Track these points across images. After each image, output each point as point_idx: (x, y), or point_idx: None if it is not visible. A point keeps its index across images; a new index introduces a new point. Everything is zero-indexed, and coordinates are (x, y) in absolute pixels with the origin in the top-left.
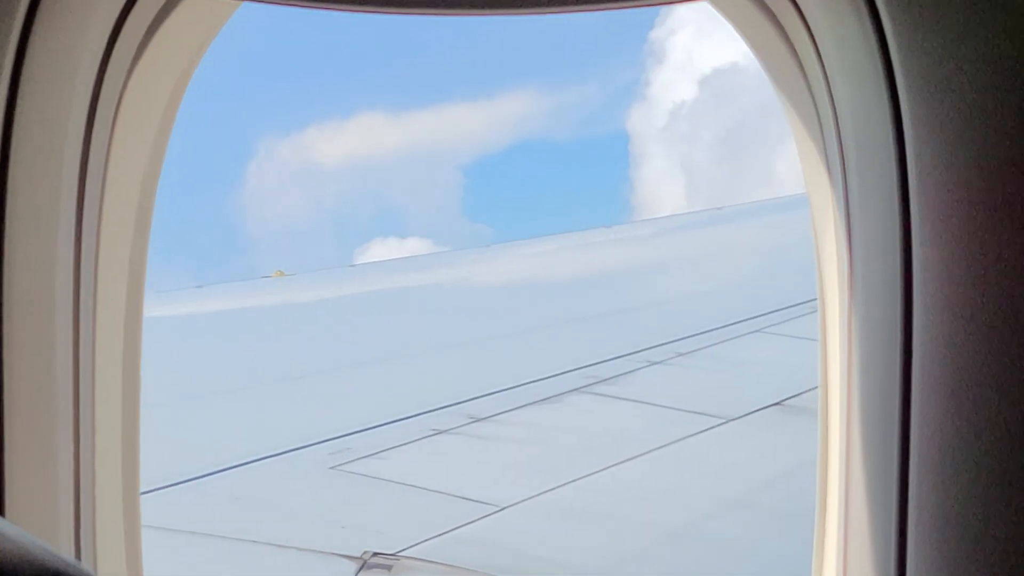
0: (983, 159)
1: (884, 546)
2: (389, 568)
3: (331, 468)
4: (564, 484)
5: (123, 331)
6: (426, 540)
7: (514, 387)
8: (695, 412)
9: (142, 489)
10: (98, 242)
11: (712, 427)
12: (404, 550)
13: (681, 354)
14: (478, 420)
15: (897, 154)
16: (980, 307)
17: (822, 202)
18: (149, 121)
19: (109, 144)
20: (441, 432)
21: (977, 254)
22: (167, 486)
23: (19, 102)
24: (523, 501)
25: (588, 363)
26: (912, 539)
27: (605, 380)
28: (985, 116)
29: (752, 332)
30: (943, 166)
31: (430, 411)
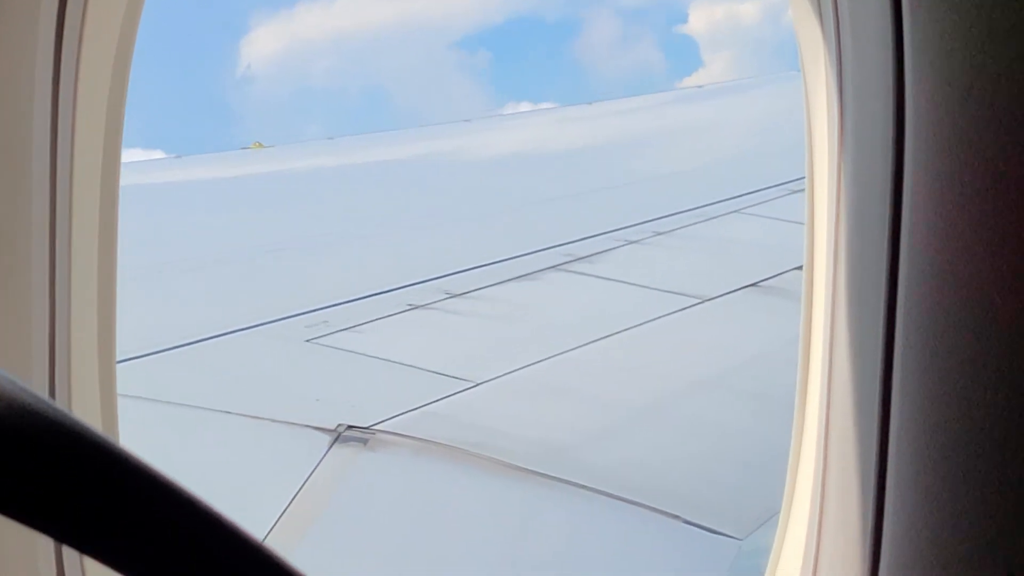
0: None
1: (865, 451)
2: (363, 441)
3: (307, 341)
4: (539, 361)
5: (100, 194)
6: (400, 414)
7: (491, 263)
8: (671, 292)
9: (115, 359)
10: (75, 99)
11: (688, 307)
12: (378, 424)
13: (659, 233)
14: (454, 296)
15: (894, 32)
16: (970, 199)
17: (815, 78)
18: None
19: (84, 9)
20: (417, 307)
21: (966, 137)
22: (141, 355)
23: None
24: (498, 377)
25: (566, 241)
26: (893, 443)
27: (582, 258)
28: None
29: (732, 212)
30: (938, 35)
31: (407, 286)
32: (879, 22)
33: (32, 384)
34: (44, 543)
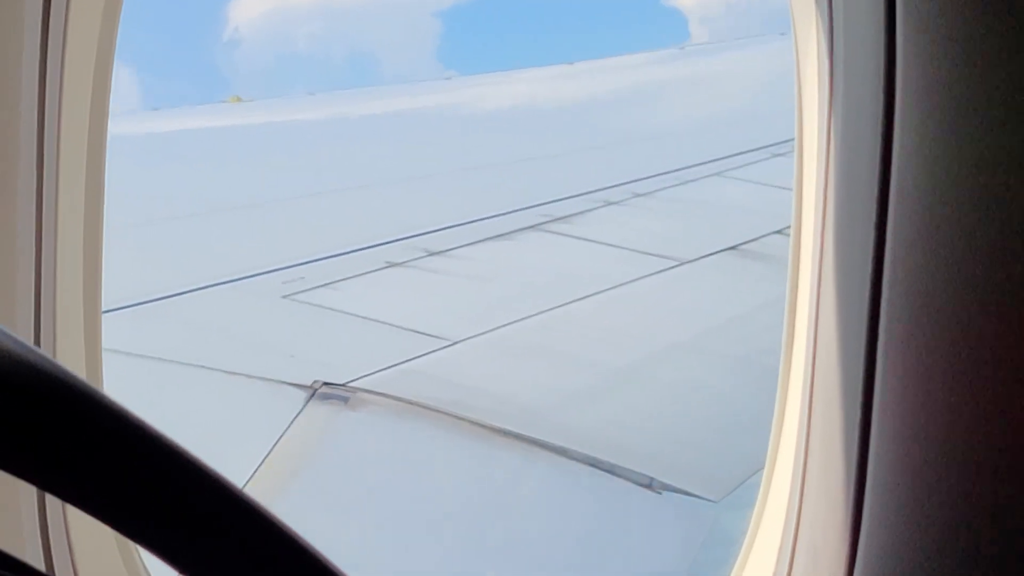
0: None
1: (849, 412)
2: (338, 398)
3: (284, 297)
4: (516, 321)
5: (87, 147)
6: (376, 372)
7: (469, 222)
8: (649, 253)
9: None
10: (64, 50)
11: (666, 269)
12: (354, 381)
13: (638, 195)
14: (432, 254)
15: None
16: (958, 157)
17: (806, 40)
18: None
19: None
20: (395, 265)
21: (962, 98)
22: (118, 308)
23: None
24: (474, 336)
25: (544, 201)
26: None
27: (560, 219)
28: None
29: (713, 175)
30: None
31: (385, 243)
32: None
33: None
34: (26, 491)
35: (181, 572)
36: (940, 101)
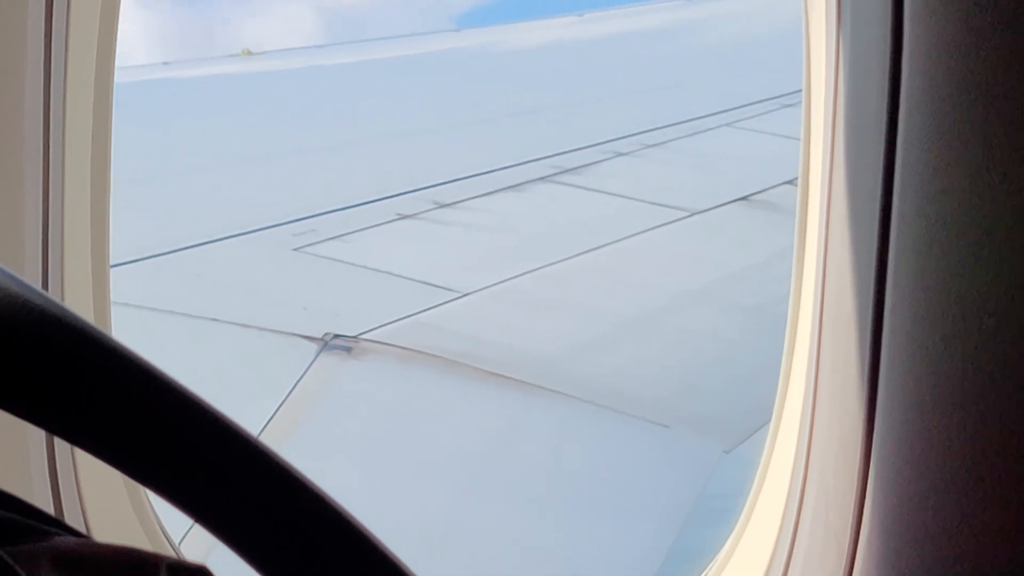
0: None
1: (859, 364)
2: (349, 350)
3: (295, 249)
4: (526, 272)
5: (93, 97)
6: (387, 324)
7: (480, 174)
8: (659, 204)
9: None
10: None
11: (676, 220)
12: (364, 333)
13: (649, 146)
14: (443, 206)
15: None
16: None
17: None
18: None
19: None
20: (406, 217)
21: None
22: (130, 262)
23: None
24: (485, 288)
25: (554, 152)
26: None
27: (571, 170)
28: None
29: (723, 126)
30: None
31: (395, 195)
32: None
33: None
34: (35, 435)
35: (191, 515)
36: (947, 50)
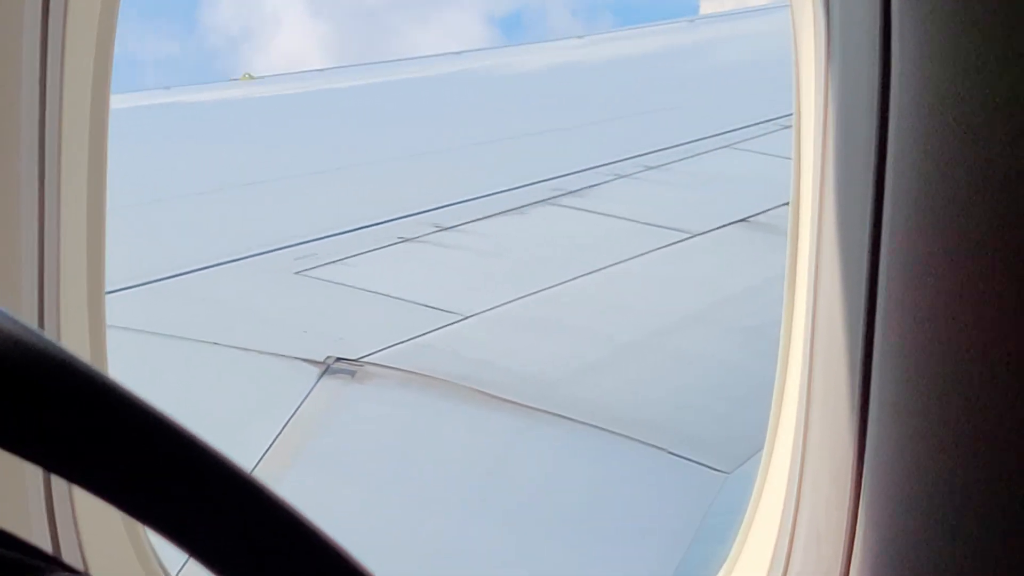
0: None
1: (849, 385)
2: (351, 373)
3: (296, 273)
4: (528, 295)
5: (89, 125)
6: (389, 347)
7: (480, 197)
8: (660, 226)
9: (104, 291)
10: (65, 23)
11: (677, 241)
12: (367, 356)
13: (649, 168)
14: (444, 229)
15: None
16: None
17: (802, 9)
18: None
19: None
20: (407, 240)
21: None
22: (130, 287)
23: None
24: (487, 311)
25: (555, 175)
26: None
27: (572, 192)
28: None
29: (723, 147)
30: None
31: (396, 219)
32: None
33: (21, 316)
34: (32, 472)
35: (187, 551)
36: (935, 73)
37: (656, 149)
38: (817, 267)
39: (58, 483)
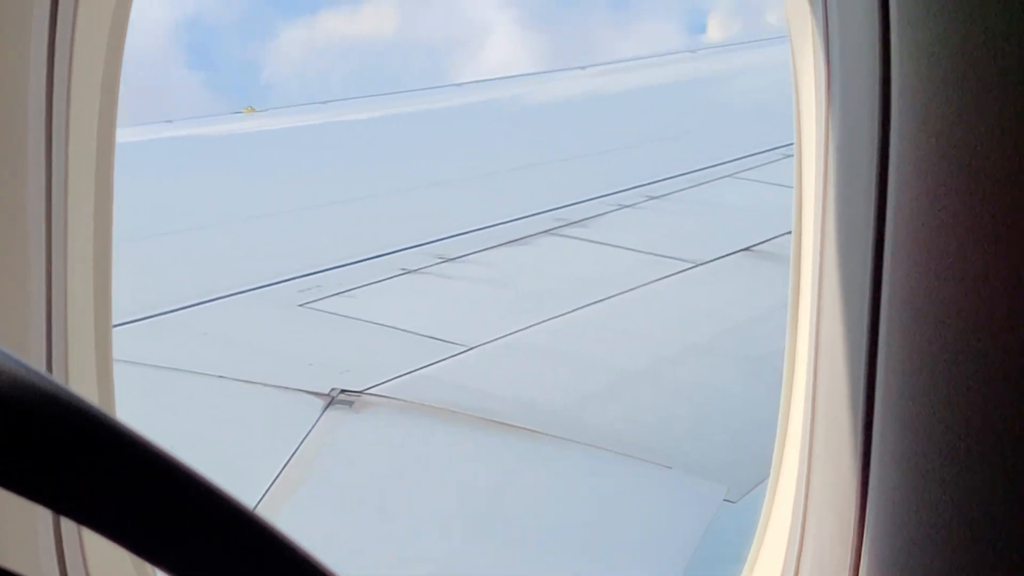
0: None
1: (852, 414)
2: (356, 405)
3: (300, 305)
4: (531, 325)
5: (95, 162)
6: (393, 378)
7: (484, 228)
8: (664, 256)
9: (112, 331)
10: (71, 61)
11: (681, 271)
12: (371, 388)
13: (652, 197)
14: (447, 260)
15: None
16: (956, 161)
17: (801, 39)
18: None
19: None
20: (410, 271)
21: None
22: (135, 320)
23: None
24: (490, 341)
25: (558, 205)
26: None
27: (575, 222)
28: None
29: (726, 176)
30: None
31: (400, 250)
32: None
33: (29, 357)
34: (43, 516)
35: None
36: (935, 98)
37: (659, 179)
38: (819, 292)
39: (67, 524)
